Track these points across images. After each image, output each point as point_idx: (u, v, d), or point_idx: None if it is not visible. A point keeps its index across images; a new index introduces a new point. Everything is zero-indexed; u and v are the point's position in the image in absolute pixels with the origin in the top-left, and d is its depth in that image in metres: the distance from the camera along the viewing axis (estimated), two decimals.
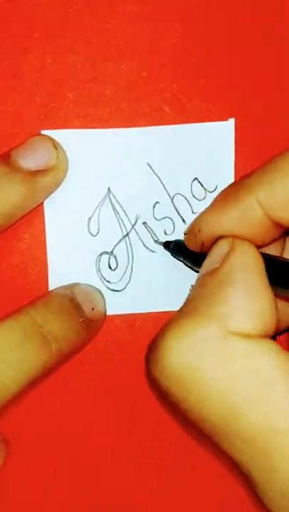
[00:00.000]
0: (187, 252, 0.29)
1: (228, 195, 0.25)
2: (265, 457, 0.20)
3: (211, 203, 0.26)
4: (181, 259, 0.31)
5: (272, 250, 0.28)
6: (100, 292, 0.32)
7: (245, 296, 0.21)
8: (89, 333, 0.31)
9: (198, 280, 0.24)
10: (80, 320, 0.30)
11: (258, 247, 0.25)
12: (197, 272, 0.31)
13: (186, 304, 0.23)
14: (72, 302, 0.30)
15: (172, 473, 0.34)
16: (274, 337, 0.22)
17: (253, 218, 0.24)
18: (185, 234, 0.28)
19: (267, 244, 0.26)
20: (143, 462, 0.34)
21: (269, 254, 0.25)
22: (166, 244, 0.32)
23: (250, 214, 0.24)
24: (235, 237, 0.24)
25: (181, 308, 0.23)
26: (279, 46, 0.32)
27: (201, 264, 0.26)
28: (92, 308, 0.31)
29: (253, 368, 0.20)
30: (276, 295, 0.23)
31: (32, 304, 0.29)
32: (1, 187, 0.28)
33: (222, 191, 0.26)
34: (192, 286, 0.25)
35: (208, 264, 0.24)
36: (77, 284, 0.31)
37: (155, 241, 0.32)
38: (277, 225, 0.24)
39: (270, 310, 0.22)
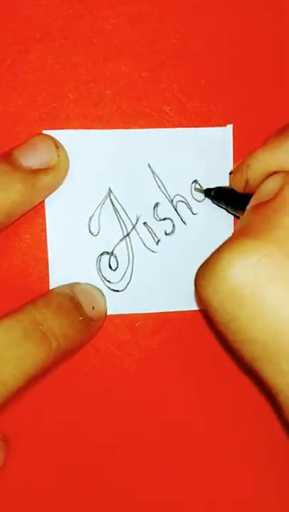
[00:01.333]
0: (230, 196, 0.30)
1: (280, 133, 0.25)
2: None
3: (263, 144, 0.26)
4: (223, 205, 0.31)
5: None
6: (101, 291, 0.32)
7: None
8: (89, 332, 0.31)
9: (250, 209, 0.24)
10: (80, 318, 0.30)
11: None
12: (238, 217, 0.32)
13: (242, 228, 0.23)
14: (72, 301, 0.30)
15: (172, 473, 0.34)
16: None
17: None
18: (230, 173, 0.29)
19: None
20: (143, 462, 0.34)
21: None
22: (207, 192, 0.32)
23: None
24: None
25: (237, 231, 0.23)
26: (279, 47, 0.32)
27: (243, 208, 0.26)
28: (93, 308, 0.31)
29: None
30: None
31: (32, 302, 0.29)
32: (2, 185, 0.28)
33: (274, 133, 0.26)
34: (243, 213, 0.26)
35: (258, 195, 0.24)
36: (77, 283, 0.31)
37: (196, 189, 0.32)
38: None
39: None
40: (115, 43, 0.31)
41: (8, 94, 0.31)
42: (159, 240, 0.32)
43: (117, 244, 0.32)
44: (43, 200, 0.31)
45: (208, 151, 0.32)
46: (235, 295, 0.21)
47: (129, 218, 0.32)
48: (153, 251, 0.32)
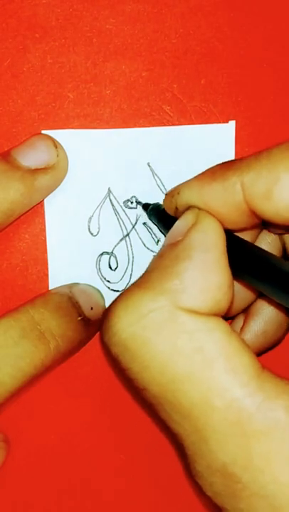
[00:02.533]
0: (162, 216, 0.29)
1: (217, 170, 0.24)
2: (197, 431, 0.20)
3: (197, 174, 0.26)
4: (155, 223, 0.31)
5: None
6: (100, 292, 0.32)
7: (200, 272, 0.21)
8: (87, 332, 0.31)
9: (159, 251, 0.24)
10: (79, 318, 0.30)
11: (231, 231, 0.25)
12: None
13: (142, 275, 0.23)
14: (70, 301, 0.30)
15: (172, 472, 0.34)
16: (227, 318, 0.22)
17: (232, 199, 0.23)
18: (166, 194, 0.28)
19: (239, 231, 0.26)
20: (143, 462, 0.34)
21: (236, 236, 0.25)
22: (145, 206, 0.31)
23: (230, 194, 0.23)
24: (201, 209, 0.24)
25: (137, 279, 0.23)
26: (280, 46, 0.32)
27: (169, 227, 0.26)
28: (91, 308, 0.31)
29: (195, 344, 0.20)
30: (235, 277, 0.23)
31: (30, 302, 0.29)
32: (0, 185, 0.28)
33: (213, 166, 0.25)
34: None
35: (171, 235, 0.24)
36: (76, 284, 0.31)
37: (132, 202, 0.32)
38: (253, 214, 0.23)
39: (224, 289, 0.22)
40: (115, 42, 0.31)
41: (8, 93, 0.31)
42: (158, 240, 0.32)
43: (117, 244, 0.32)
44: (43, 200, 0.31)
45: (209, 149, 0.32)
46: (125, 348, 0.21)
47: (128, 218, 0.32)
48: (153, 251, 0.32)
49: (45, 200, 0.31)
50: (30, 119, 0.31)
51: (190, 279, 0.21)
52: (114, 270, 0.32)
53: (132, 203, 0.32)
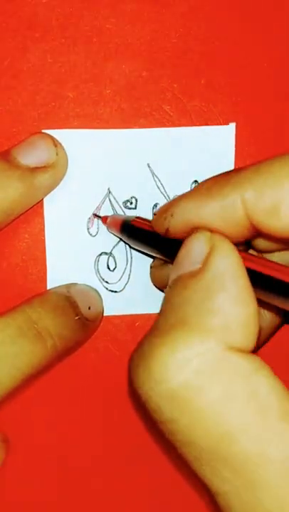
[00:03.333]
0: (140, 232, 0.28)
1: (212, 186, 0.23)
2: (251, 488, 0.18)
3: (191, 190, 0.24)
4: (132, 240, 0.30)
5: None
6: (97, 292, 0.32)
7: (237, 304, 0.20)
8: (85, 332, 0.31)
9: (176, 284, 0.22)
10: (76, 318, 0.30)
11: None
12: (145, 254, 0.31)
13: (172, 311, 0.21)
14: (68, 300, 0.30)
15: (172, 472, 0.34)
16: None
17: (233, 217, 0.22)
18: (154, 214, 0.26)
19: (238, 244, 0.24)
20: (143, 462, 0.34)
21: (249, 253, 0.24)
22: (124, 228, 0.30)
23: (231, 212, 0.22)
24: (212, 231, 0.22)
25: (165, 314, 0.21)
26: (280, 46, 0.32)
27: (155, 246, 0.25)
28: (89, 308, 0.31)
29: (250, 389, 0.19)
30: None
31: (27, 301, 0.29)
32: (0, 183, 0.28)
33: (206, 180, 0.24)
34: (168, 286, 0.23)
35: (186, 262, 0.22)
36: (74, 284, 0.31)
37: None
38: (255, 229, 0.22)
39: (256, 319, 0.20)
40: (115, 42, 0.31)
41: (8, 93, 0.31)
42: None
43: (116, 245, 0.32)
44: (42, 200, 0.31)
45: (208, 151, 0.32)
46: (174, 398, 0.19)
47: None
48: None
49: (44, 200, 0.31)
50: (30, 118, 0.31)
51: (231, 313, 0.20)
52: (113, 271, 0.32)
53: (131, 203, 0.32)
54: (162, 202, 0.32)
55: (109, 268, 0.32)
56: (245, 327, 0.20)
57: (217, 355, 0.19)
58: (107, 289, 0.32)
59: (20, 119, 0.31)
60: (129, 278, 0.32)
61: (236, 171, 0.23)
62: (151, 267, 0.32)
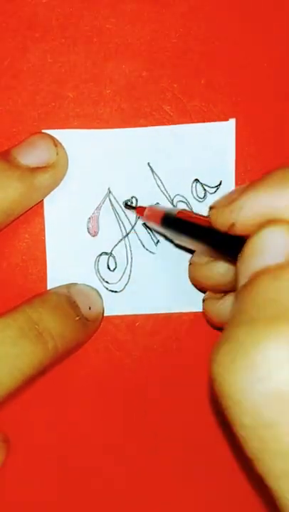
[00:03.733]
0: (189, 228, 0.26)
1: (287, 176, 0.21)
2: None
3: (259, 181, 0.22)
4: (177, 234, 0.28)
5: None
6: (98, 292, 0.32)
7: None
8: (86, 332, 0.31)
9: (264, 273, 0.20)
10: (77, 318, 0.30)
11: None
12: (185, 249, 0.30)
13: (266, 302, 0.19)
14: (68, 301, 0.30)
15: (172, 472, 0.34)
16: None
17: None
18: (212, 208, 0.23)
19: None
20: (143, 462, 0.34)
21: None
22: (166, 220, 0.28)
23: None
24: None
25: (256, 305, 0.19)
26: (280, 46, 0.32)
27: (208, 241, 0.24)
28: (90, 308, 0.31)
29: None
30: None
31: (28, 302, 0.29)
32: (0, 183, 0.28)
33: (276, 170, 0.22)
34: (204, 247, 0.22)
35: (267, 253, 0.20)
36: (74, 284, 0.31)
37: (132, 202, 0.31)
38: None
39: None
40: (115, 42, 0.31)
41: (8, 93, 0.31)
42: (158, 241, 0.32)
43: (116, 245, 0.32)
44: (42, 200, 0.31)
45: (209, 148, 0.32)
46: (279, 399, 0.17)
47: (128, 219, 0.32)
48: (152, 252, 0.32)
49: (44, 200, 0.31)
50: (30, 118, 0.31)
51: None
52: (113, 271, 0.32)
53: (131, 203, 0.32)
54: (163, 201, 0.32)
55: (109, 268, 0.32)
56: None
57: None
58: (107, 289, 0.32)
59: (20, 119, 0.31)
60: (129, 278, 0.32)
61: None
62: (190, 264, 0.30)
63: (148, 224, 0.31)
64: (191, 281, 0.31)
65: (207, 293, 0.30)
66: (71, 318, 0.29)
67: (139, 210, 0.31)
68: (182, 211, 0.28)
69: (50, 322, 0.28)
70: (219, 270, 0.28)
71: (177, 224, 0.27)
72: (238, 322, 0.19)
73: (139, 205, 0.32)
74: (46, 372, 0.29)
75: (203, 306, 0.30)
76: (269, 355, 0.17)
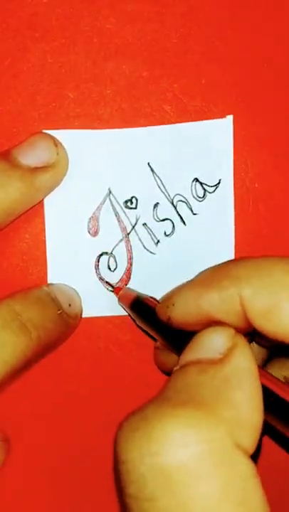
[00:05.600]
0: (149, 315, 0.28)
1: (211, 278, 0.23)
2: None
3: (191, 280, 0.25)
4: (139, 320, 0.30)
5: None
6: (76, 292, 0.32)
7: (251, 406, 0.19)
8: (67, 327, 0.31)
9: (196, 364, 0.21)
10: (58, 312, 0.30)
11: None
12: (145, 332, 0.31)
13: (185, 389, 0.20)
14: (49, 295, 0.30)
15: None
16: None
17: (232, 309, 0.22)
18: (158, 302, 0.27)
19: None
20: None
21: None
22: (134, 306, 0.30)
23: (230, 304, 0.22)
24: (236, 333, 0.22)
25: (176, 390, 0.20)
26: (280, 46, 0.32)
27: (158, 331, 0.26)
28: (69, 305, 0.31)
29: (245, 496, 0.18)
30: None
31: (10, 296, 0.29)
32: (0, 183, 0.28)
33: (207, 270, 0.24)
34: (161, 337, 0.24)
35: (202, 350, 0.22)
36: (51, 283, 0.32)
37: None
38: (249, 323, 0.22)
39: (261, 427, 0.20)
40: (116, 42, 0.31)
41: (8, 93, 0.31)
42: (158, 241, 0.32)
43: (116, 245, 0.32)
44: (43, 200, 0.31)
45: (207, 146, 0.32)
46: (164, 476, 0.17)
47: (128, 219, 0.32)
48: (152, 252, 0.32)
49: (45, 200, 0.31)
50: (31, 118, 0.31)
51: (245, 412, 0.19)
52: (114, 271, 0.32)
53: (131, 203, 0.32)
54: (163, 201, 0.32)
55: (109, 268, 0.32)
56: (254, 429, 0.19)
57: (224, 448, 0.18)
58: (107, 289, 0.32)
59: (20, 119, 0.31)
60: (129, 278, 0.32)
61: (235, 262, 0.23)
62: (154, 348, 0.32)
63: (120, 304, 0.32)
64: (155, 362, 0.32)
65: (156, 343, 0.32)
66: (53, 311, 0.30)
67: (116, 290, 0.32)
68: (150, 299, 0.29)
69: (32, 314, 0.28)
70: (175, 357, 0.29)
71: (143, 310, 0.29)
72: (153, 399, 0.20)
73: (138, 206, 0.32)
74: (30, 365, 0.29)
75: (154, 353, 0.32)
76: (166, 433, 0.18)
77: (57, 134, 0.30)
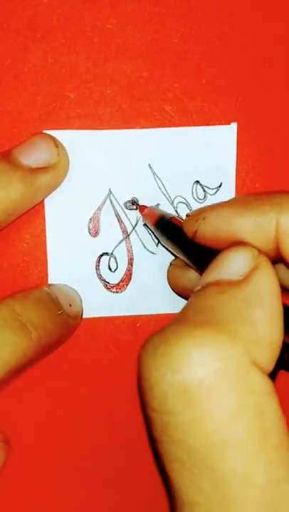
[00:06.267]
0: (174, 233, 0.28)
1: (252, 201, 0.23)
2: (225, 507, 0.18)
3: (229, 200, 0.25)
4: (155, 233, 0.31)
5: None
6: (76, 292, 0.32)
7: (270, 324, 0.20)
8: (67, 328, 0.31)
9: (211, 286, 0.22)
10: (59, 312, 0.30)
11: None
12: (169, 251, 0.31)
13: (204, 309, 0.21)
14: (49, 296, 0.30)
15: None
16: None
17: (264, 235, 0.23)
18: (187, 215, 0.27)
19: None
20: (143, 463, 0.34)
21: None
22: (158, 224, 0.30)
23: (264, 230, 0.22)
24: (260, 253, 0.22)
25: (195, 310, 0.21)
26: (281, 46, 0.32)
27: (184, 248, 0.26)
28: (70, 305, 0.31)
29: (260, 410, 0.18)
30: None
31: (10, 296, 0.29)
32: (1, 183, 0.28)
33: (247, 194, 0.24)
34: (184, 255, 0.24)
35: (222, 270, 0.22)
36: (52, 284, 0.32)
37: (131, 204, 0.32)
38: (277, 252, 0.23)
39: (280, 345, 0.20)
40: (116, 42, 0.31)
41: (9, 93, 0.31)
42: (158, 242, 0.32)
43: (117, 245, 0.32)
44: (43, 201, 0.31)
45: (210, 151, 0.32)
46: (185, 392, 0.18)
47: (129, 219, 0.32)
48: (153, 252, 0.32)
49: (45, 200, 0.31)
50: (31, 119, 0.31)
51: (264, 330, 0.20)
52: (114, 271, 0.32)
53: (132, 204, 0.32)
54: (163, 202, 0.32)
55: (110, 269, 0.32)
56: (272, 347, 0.20)
57: (241, 365, 0.19)
58: (108, 289, 0.32)
59: (21, 120, 0.31)
60: (130, 279, 0.32)
61: (280, 192, 0.23)
62: (170, 265, 0.32)
63: (146, 223, 0.32)
64: (168, 279, 0.32)
65: (173, 259, 0.32)
66: (53, 311, 0.30)
67: (141, 208, 0.31)
68: (176, 217, 0.29)
69: (33, 314, 0.28)
70: (190, 276, 0.30)
71: (167, 228, 0.29)
72: (174, 320, 0.21)
73: (134, 201, 0.32)
74: (31, 365, 0.29)
75: (167, 270, 0.32)
76: (186, 352, 0.19)
77: (57, 134, 0.30)
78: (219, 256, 0.23)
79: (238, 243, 0.23)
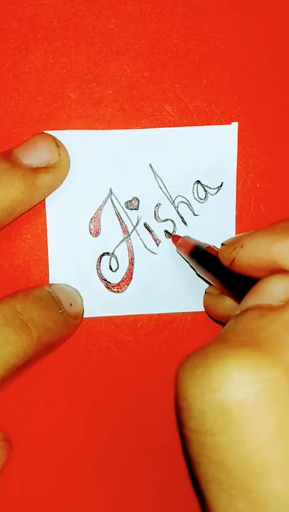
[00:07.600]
0: (210, 262, 0.28)
1: (288, 228, 0.23)
2: None
3: (266, 227, 0.24)
4: (199, 267, 0.30)
5: None
6: (77, 291, 0.32)
7: None
8: (68, 327, 0.31)
9: (251, 311, 0.22)
10: (60, 311, 0.30)
11: None
12: (203, 279, 0.31)
13: (244, 331, 0.21)
14: (50, 295, 0.30)
15: (171, 472, 0.34)
16: None
17: None
18: (222, 244, 0.26)
19: None
20: (143, 462, 0.34)
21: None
22: (193, 253, 0.30)
23: None
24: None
25: (235, 332, 0.21)
26: (281, 46, 0.32)
27: (219, 278, 0.26)
28: (71, 304, 0.31)
29: None
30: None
31: (11, 295, 0.29)
32: (2, 183, 0.28)
33: (282, 220, 0.24)
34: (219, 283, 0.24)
35: (262, 296, 0.22)
36: (53, 283, 0.32)
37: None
38: None
39: None
40: (117, 42, 0.31)
41: (10, 94, 0.31)
42: (159, 242, 0.32)
43: (118, 245, 0.32)
44: (44, 201, 0.31)
45: (211, 151, 0.32)
46: (224, 412, 0.18)
47: (129, 219, 0.32)
48: (153, 252, 0.32)
49: (46, 200, 0.31)
50: (32, 119, 0.31)
51: None
52: (115, 271, 0.32)
53: (133, 204, 0.32)
54: (164, 202, 0.32)
55: (111, 268, 0.32)
56: None
57: (280, 387, 0.18)
58: (109, 289, 0.32)
59: (22, 120, 0.31)
60: (131, 279, 0.32)
61: None
62: (206, 293, 0.33)
63: (178, 251, 0.32)
64: (205, 307, 0.33)
65: (208, 287, 0.32)
66: (54, 310, 0.30)
67: (174, 238, 0.32)
68: (211, 246, 0.29)
69: (34, 313, 0.28)
70: (226, 304, 0.31)
71: (203, 257, 0.29)
72: (213, 340, 0.21)
73: (140, 207, 0.32)
74: (31, 364, 0.29)
75: (203, 298, 0.33)
76: (225, 372, 0.18)
77: (58, 134, 0.30)
78: (260, 282, 0.23)
79: (279, 270, 0.23)
